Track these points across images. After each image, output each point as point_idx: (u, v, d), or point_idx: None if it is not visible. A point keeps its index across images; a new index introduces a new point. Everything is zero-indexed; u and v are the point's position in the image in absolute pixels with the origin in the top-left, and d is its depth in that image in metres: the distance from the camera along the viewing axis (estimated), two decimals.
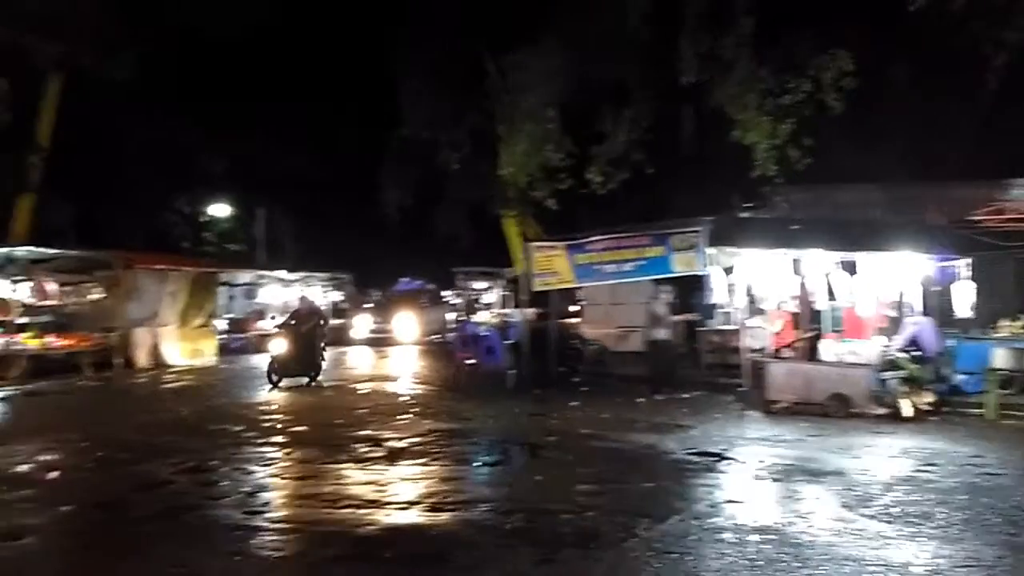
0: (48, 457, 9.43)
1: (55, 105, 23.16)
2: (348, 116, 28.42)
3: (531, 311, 17.85)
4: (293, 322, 16.39)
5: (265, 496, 7.68)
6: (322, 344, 16.69)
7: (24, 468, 8.88)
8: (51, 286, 18.67)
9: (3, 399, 14.51)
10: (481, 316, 26.01)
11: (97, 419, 12.32)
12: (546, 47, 19.28)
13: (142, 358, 19.01)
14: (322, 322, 16.86)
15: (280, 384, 15.55)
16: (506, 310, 25.00)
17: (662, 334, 14.47)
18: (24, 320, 17.87)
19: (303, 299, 17.66)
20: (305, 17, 25.79)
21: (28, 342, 17.23)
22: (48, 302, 18.62)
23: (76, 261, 19.17)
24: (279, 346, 15.93)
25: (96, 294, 19.52)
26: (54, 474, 8.67)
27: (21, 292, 18.54)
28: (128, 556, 6.01)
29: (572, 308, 21.72)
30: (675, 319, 14.93)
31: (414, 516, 6.97)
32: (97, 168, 25.73)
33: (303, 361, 15.95)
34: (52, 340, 17.55)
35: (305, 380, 15.91)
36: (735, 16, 17.36)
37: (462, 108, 22.06)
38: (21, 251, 18.62)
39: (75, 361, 17.64)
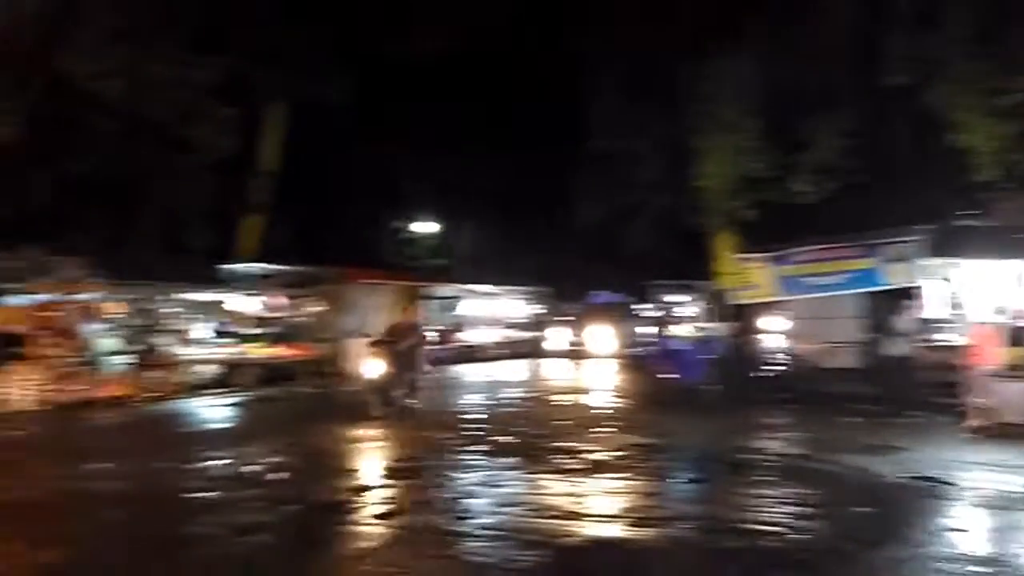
0: (276, 459, 10.21)
1: (278, 131, 25.13)
2: (548, 130, 28.96)
3: (731, 325, 17.41)
4: (391, 339, 14.07)
5: (471, 503, 7.96)
6: (422, 366, 14.56)
7: (255, 468, 9.66)
8: (279, 300, 20.17)
9: (237, 404, 15.87)
10: (679, 330, 25.68)
11: (314, 425, 13.20)
12: (744, 54, 18.87)
13: (354, 368, 20.14)
14: (421, 340, 14.75)
15: (381, 413, 13.21)
16: (705, 324, 24.58)
17: (899, 349, 13.67)
18: (255, 331, 19.42)
19: (405, 311, 16.42)
20: (500, 35, 26.58)
21: (257, 352, 18.73)
22: (276, 315, 20.13)
23: (298, 276, 20.64)
24: (375, 368, 13.67)
25: (314, 307, 20.90)
26: (281, 475, 9.38)
27: (252, 305, 20.13)
28: (347, 555, 6.42)
29: (775, 322, 21.05)
30: (910, 333, 14.03)
31: (616, 530, 7.01)
32: (314, 189, 27.65)
33: (402, 384, 13.79)
34: (277, 350, 18.99)
35: (403, 405, 13.66)
36: (950, 13, 16.29)
37: (656, 119, 21.94)
38: (253, 267, 20.30)
39: (296, 370, 18.99)
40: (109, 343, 16.01)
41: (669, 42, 20.18)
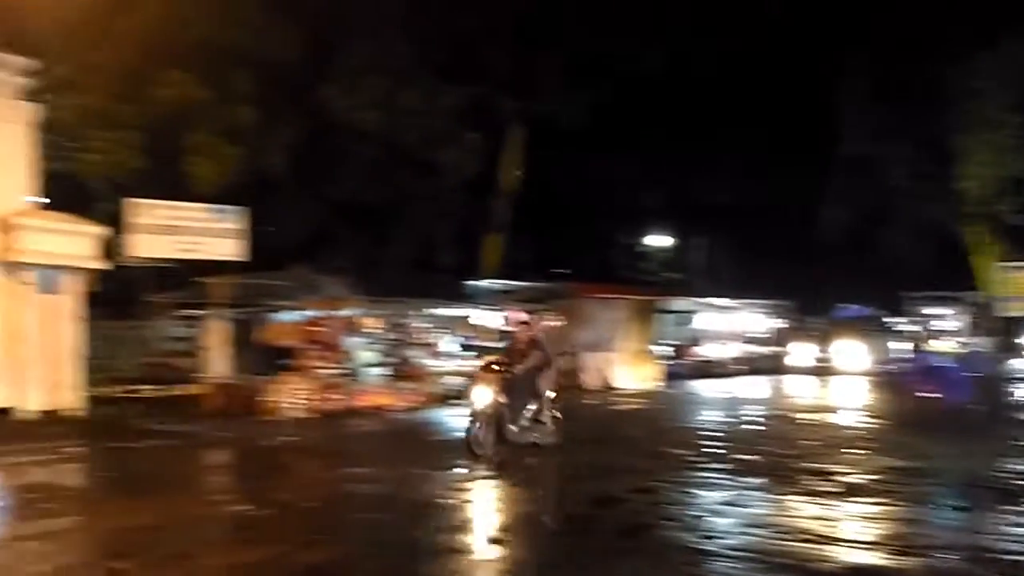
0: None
1: (517, 152, 26.04)
2: (785, 139, 27.99)
3: (998, 340, 15.95)
4: (506, 360, 11.16)
5: (716, 521, 7.80)
6: (549, 392, 11.33)
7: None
8: (519, 315, 20.78)
9: None
10: (939, 345, 23.83)
11: None
12: (1006, 49, 17.31)
13: (591, 381, 20.46)
14: (546, 360, 11.31)
15: (486, 455, 10.53)
16: (969, 339, 22.64)
17: None
18: (498, 345, 20.13)
19: (523, 324, 12.21)
20: (733, 47, 26.03)
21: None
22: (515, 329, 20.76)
23: (536, 292, 21.24)
24: (482, 396, 10.68)
25: (553, 322, 21.36)
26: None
27: (494, 320, 20.90)
28: (597, 569, 6.49)
29: None
30: None
31: (875, 558, 6.61)
32: (551, 207, 28.34)
33: (517, 416, 10.93)
34: None
35: (527, 441, 11.06)
36: None
37: (911, 121, 20.60)
38: (493, 284, 21.15)
39: None
40: (368, 355, 17.23)
41: (928, 42, 18.94)
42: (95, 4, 17.25)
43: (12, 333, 15.74)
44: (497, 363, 11.02)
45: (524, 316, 19.49)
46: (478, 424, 10.54)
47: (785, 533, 7.25)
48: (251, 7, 18.39)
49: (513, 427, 10.80)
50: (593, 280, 24.11)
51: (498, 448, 10.61)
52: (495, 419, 10.61)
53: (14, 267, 15.74)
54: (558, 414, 11.37)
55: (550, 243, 29.98)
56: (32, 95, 16.72)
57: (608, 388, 20.53)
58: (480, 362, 12.24)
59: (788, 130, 27.24)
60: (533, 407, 11.08)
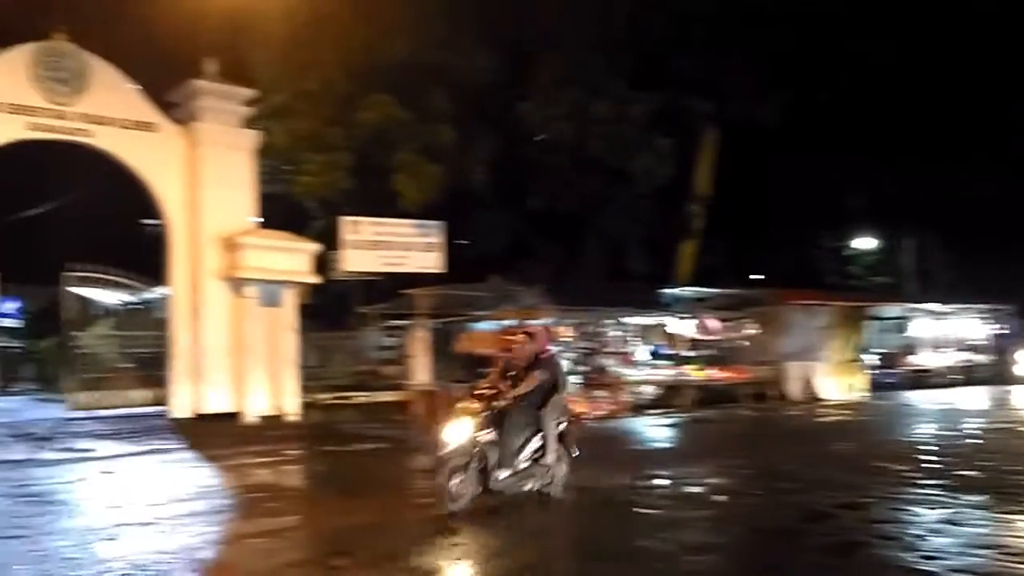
0: (716, 480, 10.29)
1: (711, 156, 25.54)
2: (1001, 131, 25.92)
3: None
4: (495, 385, 8.37)
5: (936, 541, 7.32)
6: (559, 423, 8.69)
7: (697, 489, 9.83)
8: (713, 323, 20.42)
9: (675, 425, 16.32)
10: None
11: (756, 448, 13.07)
12: None
13: (795, 391, 19.73)
14: (552, 382, 8.57)
15: (462, 507, 7.89)
16: None
17: None
18: (691, 353, 19.86)
19: (525, 335, 8.82)
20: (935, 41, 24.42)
21: (694, 374, 19.11)
22: (710, 337, 20.40)
23: (732, 299, 20.74)
24: (456, 434, 7.94)
25: (751, 330, 20.79)
26: (722, 497, 9.44)
27: (687, 328, 20.61)
28: None
29: None
30: None
31: None
32: (747, 211, 27.56)
33: (512, 457, 8.20)
34: (714, 372, 19.21)
35: (528, 488, 8.43)
36: None
37: None
38: (687, 291, 20.84)
39: (734, 393, 19.03)
40: (562, 364, 17.40)
41: None
42: (304, 35, 18.55)
43: (237, 344, 17.15)
44: (485, 388, 8.28)
45: (719, 323, 19.19)
46: (450, 471, 7.86)
47: (1013, 555, 6.71)
48: (447, 29, 19.14)
49: (503, 472, 8.13)
50: (793, 285, 23.25)
51: (471, 500, 7.99)
52: (477, 462, 8.01)
53: (238, 283, 17.15)
54: (574, 451, 8.91)
55: (745, 248, 29.17)
56: (251, 123, 18.21)
57: (813, 399, 19.72)
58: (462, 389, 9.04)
59: (996, 126, 25.23)
60: (534, 445, 8.44)
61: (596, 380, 17.77)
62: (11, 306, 23.76)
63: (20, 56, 15.69)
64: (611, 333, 19.48)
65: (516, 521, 8.15)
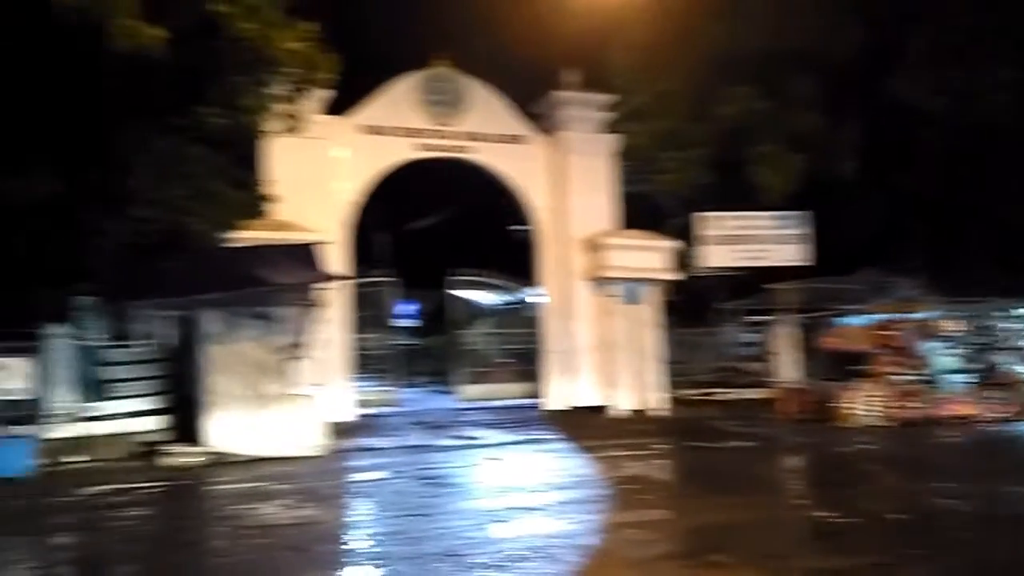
0: None
1: None
2: None
3: None
4: None
5: None
6: None
7: None
8: None
9: None
10: None
11: None
12: None
13: None
14: None
15: None
16: None
17: None
18: None
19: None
20: None
21: None
22: None
23: None
24: None
25: None
26: None
27: None
28: None
29: None
30: None
31: None
32: None
33: None
34: None
35: None
36: None
37: None
38: None
39: None
40: (948, 361, 15.92)
41: None
42: (663, 36, 18.75)
43: (603, 341, 17.84)
44: None
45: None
46: None
47: None
48: (808, 11, 18.29)
49: None
50: None
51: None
52: None
53: (603, 282, 17.83)
54: None
55: None
56: (611, 126, 18.80)
57: None
58: None
59: None
60: None
61: (990, 379, 15.99)
62: (411, 308, 26.53)
63: (407, 84, 17.64)
64: (1006, 327, 17.38)
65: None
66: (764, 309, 19.19)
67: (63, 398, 12.44)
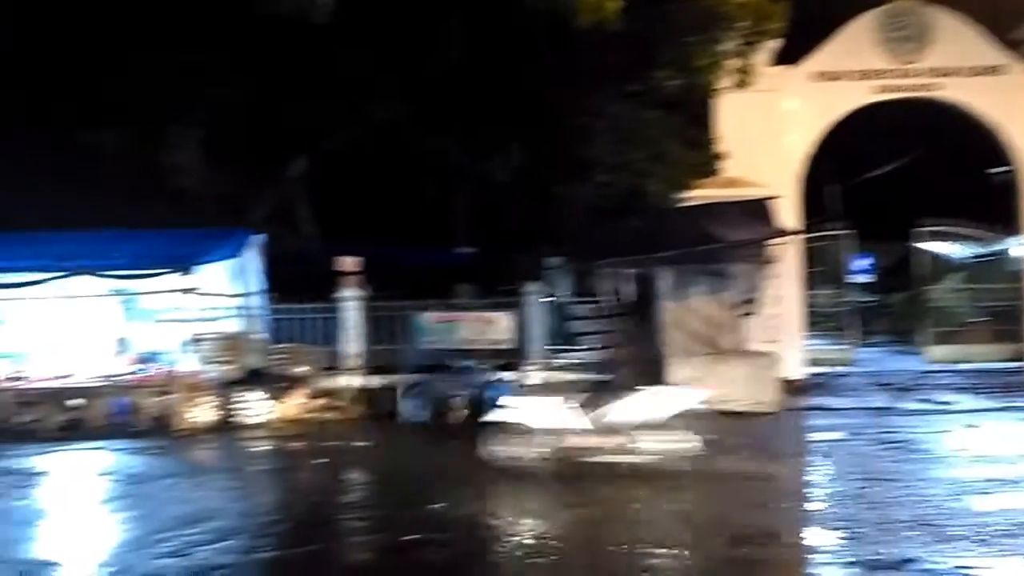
0: None
1: None
2: None
3: None
4: None
5: None
6: None
7: None
8: None
9: None
10: None
11: None
12: None
13: None
14: None
15: None
16: None
17: None
18: None
19: None
20: None
21: None
22: None
23: None
24: None
25: None
26: None
27: None
28: None
29: None
30: None
31: None
32: None
33: None
34: None
35: None
36: None
37: None
38: None
39: None
40: None
41: None
42: None
43: None
44: None
45: None
46: None
47: None
48: None
49: None
50: None
51: None
52: None
53: None
54: None
55: None
56: None
57: None
58: None
59: None
60: None
61: None
62: (865, 263, 25.10)
63: (864, 23, 16.42)
64: None
65: None
66: None
67: (538, 348, 13.81)
